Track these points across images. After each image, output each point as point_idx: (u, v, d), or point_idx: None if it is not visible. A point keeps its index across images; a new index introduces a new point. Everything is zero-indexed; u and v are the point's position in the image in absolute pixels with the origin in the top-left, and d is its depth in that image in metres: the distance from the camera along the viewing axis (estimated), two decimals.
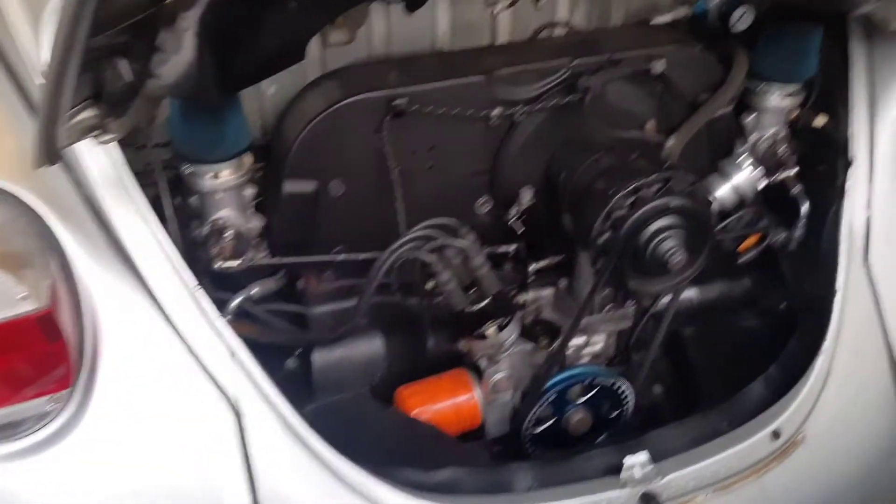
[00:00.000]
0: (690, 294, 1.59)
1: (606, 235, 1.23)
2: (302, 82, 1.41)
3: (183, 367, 1.14)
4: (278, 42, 0.96)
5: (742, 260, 1.64)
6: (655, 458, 1.28)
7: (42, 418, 1.08)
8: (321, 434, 1.20)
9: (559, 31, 1.53)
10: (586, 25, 1.55)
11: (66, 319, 1.07)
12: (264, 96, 1.47)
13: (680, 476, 1.27)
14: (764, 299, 1.62)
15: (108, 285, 1.11)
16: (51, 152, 0.89)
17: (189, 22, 0.82)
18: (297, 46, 1.02)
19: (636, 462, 1.25)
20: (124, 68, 0.84)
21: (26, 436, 1.06)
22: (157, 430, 1.14)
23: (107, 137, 1.00)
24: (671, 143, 1.34)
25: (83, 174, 1.14)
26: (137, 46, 0.82)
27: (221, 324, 1.16)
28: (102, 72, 0.84)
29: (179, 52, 0.89)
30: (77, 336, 1.09)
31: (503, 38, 1.52)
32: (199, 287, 1.15)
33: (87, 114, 0.93)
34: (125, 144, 1.25)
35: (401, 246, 1.22)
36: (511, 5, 1.34)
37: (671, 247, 1.21)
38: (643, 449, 1.28)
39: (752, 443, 1.31)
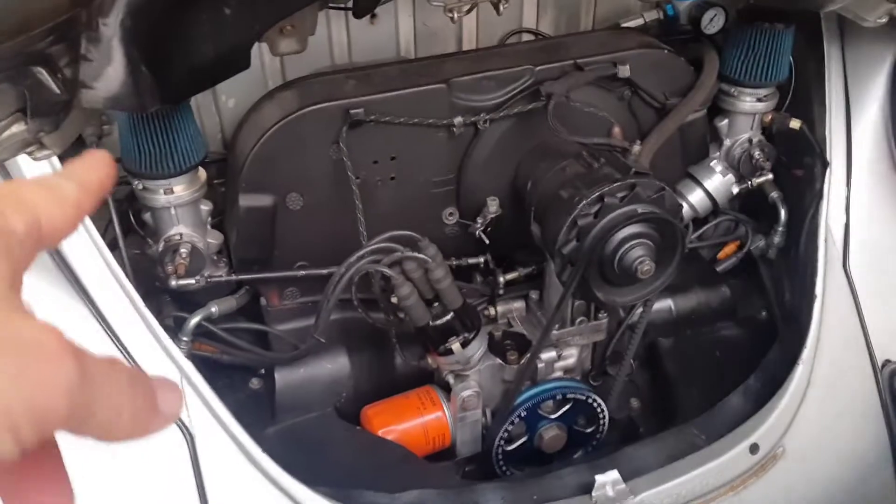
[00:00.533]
0: (668, 303, 1.55)
1: (572, 245, 1.18)
2: (262, 93, 1.38)
3: None
4: (215, 49, 0.92)
5: (721, 268, 1.60)
6: (629, 475, 1.24)
7: None
8: (284, 456, 1.16)
9: (526, 38, 1.50)
10: (554, 32, 1.52)
11: None
12: (224, 110, 1.44)
13: (654, 494, 1.23)
14: (743, 308, 1.58)
15: (55, 309, 1.07)
16: None
17: (111, 28, 0.78)
18: (238, 54, 0.98)
19: (608, 480, 1.21)
20: (46, 79, 0.80)
21: None
22: (107, 455, 1.09)
23: (42, 154, 0.96)
24: (637, 148, 1.30)
25: None
26: (58, 55, 0.78)
27: (171, 345, 1.11)
28: (24, 83, 0.80)
29: (109, 62, 0.85)
30: None
31: (469, 45, 1.49)
32: (153, 309, 1.11)
33: (16, 129, 0.90)
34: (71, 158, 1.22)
35: (358, 259, 1.17)
36: (469, 11, 1.30)
37: (639, 256, 1.17)
38: (616, 466, 1.23)
39: (730, 458, 1.27)
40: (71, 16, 0.75)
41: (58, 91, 0.86)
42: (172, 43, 0.86)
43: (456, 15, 1.30)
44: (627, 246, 1.16)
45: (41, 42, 0.74)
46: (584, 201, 1.17)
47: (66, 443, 1.05)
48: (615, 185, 1.16)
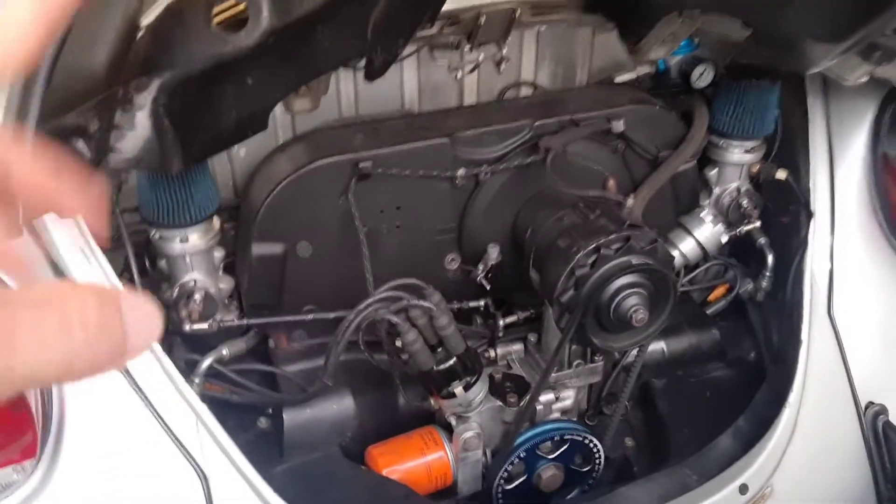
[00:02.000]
0: (660, 346, 1.61)
1: (569, 294, 1.24)
2: (273, 144, 1.44)
3: (149, 433, 1.14)
4: (237, 116, 0.98)
5: (711, 311, 1.66)
6: None
7: (7, 488, 1.08)
8: (291, 495, 1.20)
9: (525, 91, 1.57)
10: (551, 85, 1.59)
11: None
12: (235, 159, 1.50)
13: None
14: (733, 349, 1.63)
15: None
16: (13, 226, 0.90)
17: (145, 103, 0.84)
18: (258, 118, 1.04)
19: None
20: (81, 146, 0.86)
21: None
22: (124, 497, 1.14)
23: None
24: (631, 201, 1.36)
25: (50, 241, 1.16)
26: (94, 127, 0.84)
27: (187, 389, 1.16)
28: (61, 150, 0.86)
29: (140, 131, 0.91)
30: (42, 404, 1.09)
31: (470, 98, 1.55)
32: (167, 351, 1.16)
33: None
34: None
35: (367, 307, 1.23)
36: (473, 70, 1.37)
37: (634, 304, 1.23)
38: None
39: (720, 498, 1.32)
40: (109, 93, 0.81)
41: (89, 157, 0.92)
42: (198, 112, 0.92)
43: (459, 73, 1.36)
44: (622, 295, 1.22)
45: (80, 118, 0.80)
46: (582, 252, 1.23)
47: (86, 486, 1.09)
48: (611, 237, 1.23)
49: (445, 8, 1.12)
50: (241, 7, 0.83)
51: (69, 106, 0.76)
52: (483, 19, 1.26)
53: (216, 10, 0.80)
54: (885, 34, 1.17)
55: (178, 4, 0.80)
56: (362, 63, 1.14)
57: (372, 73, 1.11)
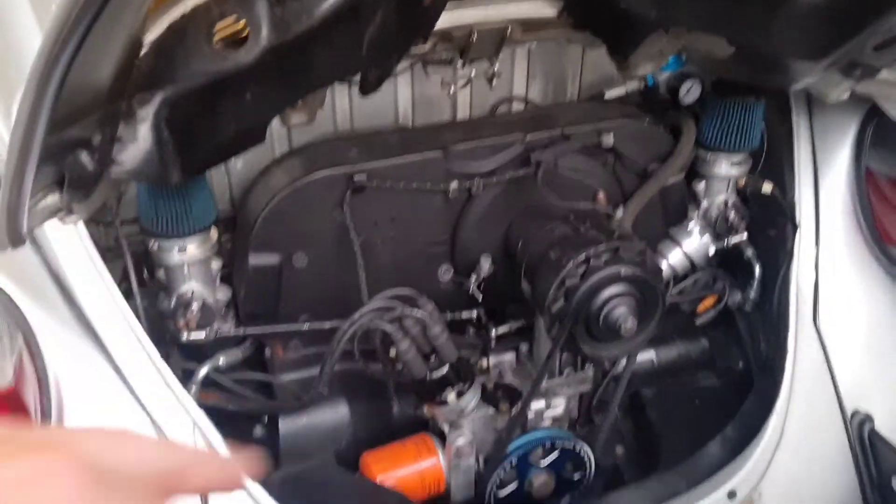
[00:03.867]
0: (650, 355, 1.64)
1: (560, 303, 1.27)
2: (269, 157, 1.47)
3: None
4: (236, 129, 1.01)
5: (700, 321, 1.69)
6: None
7: None
8: (287, 501, 1.22)
9: (516, 106, 1.60)
10: (542, 100, 1.63)
11: (30, 395, 1.10)
12: (232, 171, 1.52)
13: None
14: (722, 359, 1.66)
15: (73, 361, 1.14)
16: (14, 237, 0.92)
17: (147, 116, 0.87)
18: (256, 131, 1.07)
19: None
20: (85, 158, 0.88)
21: None
22: None
23: (71, 218, 1.04)
24: (620, 213, 1.40)
25: (50, 251, 1.18)
26: (97, 139, 0.86)
27: (184, 396, 1.18)
28: (63, 162, 0.89)
29: (142, 143, 0.94)
30: (42, 412, 1.11)
31: (463, 112, 1.59)
32: (164, 360, 1.18)
33: (51, 199, 0.97)
34: (93, 221, 1.30)
35: (361, 316, 1.25)
36: (466, 85, 1.40)
37: (622, 313, 1.25)
38: None
39: (709, 503, 1.34)
40: (113, 107, 0.84)
41: (92, 168, 0.94)
42: (198, 126, 0.95)
43: (452, 88, 1.40)
44: (611, 305, 1.25)
45: (84, 130, 0.83)
46: (572, 262, 1.25)
47: None
48: (600, 248, 1.26)
49: (439, 25, 1.15)
50: (241, 25, 0.86)
51: (73, 119, 0.79)
52: (475, 36, 1.29)
53: (217, 27, 0.83)
54: (865, 52, 1.21)
55: (180, 22, 0.83)
56: (357, 78, 1.17)
57: (367, 88, 1.14)
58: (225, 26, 0.86)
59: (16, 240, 0.94)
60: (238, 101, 0.95)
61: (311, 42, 0.90)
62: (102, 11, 0.65)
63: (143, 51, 0.86)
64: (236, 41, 0.87)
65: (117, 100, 0.84)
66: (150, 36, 0.87)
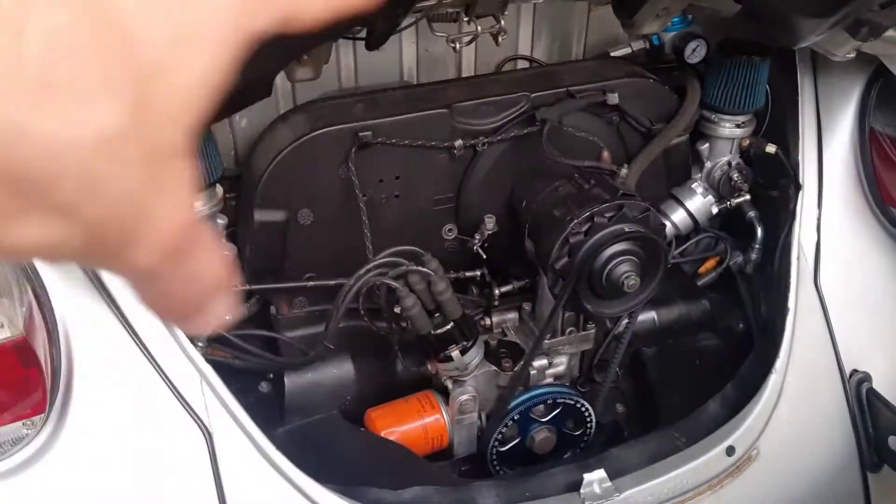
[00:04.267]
0: (651, 315, 1.65)
1: (564, 261, 1.28)
2: (274, 114, 1.47)
3: (155, 392, 1.18)
4: (242, 81, 1.01)
5: (701, 282, 1.70)
6: (615, 475, 1.33)
7: (17, 442, 1.12)
8: (292, 455, 1.24)
9: (522, 65, 1.60)
10: (547, 58, 1.62)
11: (40, 346, 1.11)
12: (237, 128, 1.53)
13: (638, 492, 1.32)
14: (723, 320, 1.68)
15: (83, 313, 1.15)
16: None
17: None
18: (262, 85, 1.07)
19: (595, 479, 1.30)
20: None
21: (1, 460, 1.10)
22: (130, 452, 1.18)
23: None
24: (625, 171, 1.40)
25: None
26: None
27: (192, 350, 1.20)
28: None
29: None
30: (52, 362, 1.13)
31: (468, 70, 1.59)
32: None
33: None
34: None
35: (366, 272, 1.26)
36: (471, 42, 1.40)
37: (626, 271, 1.26)
38: (603, 466, 1.33)
39: (708, 459, 1.36)
40: None
41: None
42: None
43: (458, 45, 1.39)
44: (615, 262, 1.26)
45: None
46: (576, 220, 1.26)
47: (93, 442, 1.13)
48: (604, 205, 1.26)
49: None
50: None
51: None
52: None
53: None
54: (872, 10, 1.20)
55: None
56: (363, 34, 1.17)
57: (372, 43, 1.14)
58: None
59: None
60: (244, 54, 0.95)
61: None
62: None
63: None
64: None
65: None
66: None
